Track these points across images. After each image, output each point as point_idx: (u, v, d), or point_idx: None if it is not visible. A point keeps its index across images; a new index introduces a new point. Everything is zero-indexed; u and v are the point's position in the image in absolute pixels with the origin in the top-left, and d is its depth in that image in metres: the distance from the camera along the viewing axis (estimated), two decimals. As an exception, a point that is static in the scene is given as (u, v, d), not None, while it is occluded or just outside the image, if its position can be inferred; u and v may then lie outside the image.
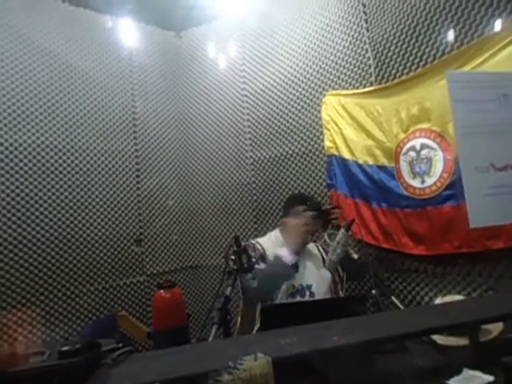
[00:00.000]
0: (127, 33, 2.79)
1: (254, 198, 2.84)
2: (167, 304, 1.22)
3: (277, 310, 1.37)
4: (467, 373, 0.95)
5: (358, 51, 2.38)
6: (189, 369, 0.90)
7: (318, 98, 2.58)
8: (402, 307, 1.41)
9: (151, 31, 2.97)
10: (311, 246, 1.93)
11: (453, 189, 1.79)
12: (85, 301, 2.39)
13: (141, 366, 0.95)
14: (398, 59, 2.16)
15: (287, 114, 2.73)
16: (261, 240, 1.85)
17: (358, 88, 2.37)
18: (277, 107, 2.77)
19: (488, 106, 1.22)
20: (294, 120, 2.70)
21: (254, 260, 1.44)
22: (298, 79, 2.68)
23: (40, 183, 2.31)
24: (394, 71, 2.20)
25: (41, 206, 2.30)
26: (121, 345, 1.04)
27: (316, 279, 1.79)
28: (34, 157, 2.30)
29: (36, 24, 2.39)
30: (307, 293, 1.74)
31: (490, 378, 0.92)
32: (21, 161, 2.25)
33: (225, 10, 2.85)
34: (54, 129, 2.41)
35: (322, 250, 1.92)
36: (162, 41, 3.03)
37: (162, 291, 1.23)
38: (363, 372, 1.01)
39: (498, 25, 1.70)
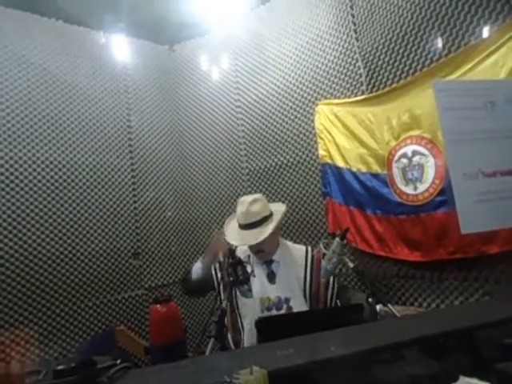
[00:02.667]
0: (121, 48, 2.83)
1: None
2: (163, 318, 1.22)
3: (273, 321, 1.37)
4: (463, 380, 0.95)
5: (349, 61, 2.41)
6: (185, 384, 0.90)
7: (311, 108, 2.60)
8: (398, 315, 1.41)
9: (144, 46, 3.00)
10: (298, 254, 1.83)
11: (445, 195, 1.80)
12: (83, 316, 2.38)
13: (137, 383, 0.95)
14: (388, 68, 2.19)
15: (281, 124, 2.75)
16: (240, 250, 1.76)
17: (349, 97, 2.40)
18: (271, 117, 2.79)
19: (475, 113, 1.24)
20: (288, 130, 2.72)
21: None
22: (291, 89, 2.70)
23: (36, 199, 2.31)
24: (384, 79, 2.23)
25: (37, 222, 2.30)
26: (118, 361, 1.03)
27: (294, 292, 1.71)
28: (30, 173, 2.31)
29: (30, 41, 2.42)
30: (284, 306, 1.67)
31: (487, 385, 0.92)
32: (17, 178, 2.26)
33: (217, 22, 2.89)
34: (50, 145, 2.42)
35: (309, 258, 1.80)
36: (156, 55, 3.06)
37: (157, 306, 1.23)
38: (361, 382, 1.01)
39: (483, 33, 1.73)
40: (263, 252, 1.76)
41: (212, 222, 2.97)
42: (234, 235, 1.74)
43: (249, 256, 1.76)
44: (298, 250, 1.85)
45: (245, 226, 1.74)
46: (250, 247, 1.76)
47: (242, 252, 1.77)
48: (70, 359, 1.04)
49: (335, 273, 1.68)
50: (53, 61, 2.51)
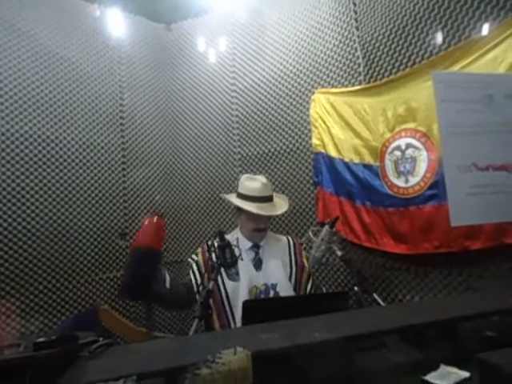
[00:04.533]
0: (115, 23, 2.74)
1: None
2: (151, 223, 1.29)
3: (259, 305, 1.37)
4: (444, 369, 0.97)
5: (348, 50, 2.39)
6: (167, 362, 0.90)
7: (307, 96, 2.58)
8: (383, 304, 1.43)
9: (140, 22, 2.92)
10: (281, 241, 1.87)
11: (435, 189, 1.81)
12: (66, 294, 2.36)
13: (119, 359, 0.94)
14: (387, 59, 2.18)
15: (276, 111, 2.72)
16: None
17: (346, 86, 2.38)
18: (266, 103, 2.76)
19: (473, 106, 1.23)
20: (282, 117, 2.70)
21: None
22: (288, 76, 2.67)
23: (23, 174, 2.26)
24: (382, 70, 2.21)
25: (23, 197, 2.25)
26: (101, 338, 1.02)
27: (281, 277, 1.73)
28: (17, 146, 2.26)
29: (23, 13, 2.34)
30: (272, 292, 1.68)
31: (466, 374, 0.93)
32: (3, 150, 2.20)
33: (216, 3, 2.83)
34: (39, 118, 2.36)
35: (291, 245, 1.84)
36: (152, 33, 2.99)
37: (149, 215, 1.31)
38: (342, 368, 1.02)
39: (484, 28, 1.72)
40: (264, 231, 1.78)
41: (202, 206, 2.95)
42: (256, 207, 1.74)
43: (237, 239, 1.76)
44: (280, 238, 1.89)
45: (260, 199, 1.76)
46: (257, 223, 1.75)
47: (230, 236, 1.77)
48: (50, 334, 1.03)
49: (323, 261, 1.69)
50: (45, 32, 2.43)
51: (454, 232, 1.70)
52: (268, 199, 1.80)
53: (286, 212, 1.85)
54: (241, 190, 1.83)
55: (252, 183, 1.81)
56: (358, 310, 1.41)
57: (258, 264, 1.76)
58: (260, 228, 1.76)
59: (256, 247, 1.80)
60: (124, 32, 2.80)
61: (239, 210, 1.81)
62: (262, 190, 1.78)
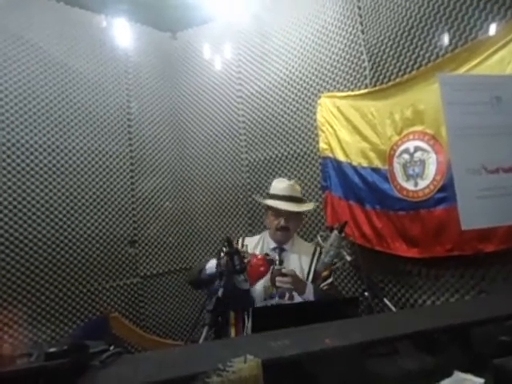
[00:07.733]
0: (122, 33, 2.77)
1: (249, 199, 2.84)
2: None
3: (269, 312, 1.36)
4: (458, 375, 0.95)
5: (353, 53, 2.38)
6: (178, 371, 0.90)
7: (313, 100, 2.58)
8: (394, 309, 1.41)
9: (146, 32, 2.95)
10: (307, 247, 1.92)
11: (445, 191, 1.78)
12: (77, 302, 2.37)
13: (129, 368, 0.95)
14: (393, 62, 2.17)
15: (283, 116, 2.72)
16: (249, 239, 1.89)
17: (353, 90, 2.38)
18: (272, 109, 2.77)
19: (480, 108, 1.22)
20: (289, 122, 2.70)
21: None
22: (294, 81, 2.68)
23: (33, 183, 2.29)
24: (388, 74, 2.20)
25: (33, 206, 2.28)
26: (112, 347, 1.02)
27: None
28: (27, 157, 2.28)
29: (30, 23, 2.37)
30: (287, 295, 1.72)
31: (481, 381, 0.91)
32: (13, 161, 2.23)
33: (220, 11, 2.85)
34: (48, 129, 2.39)
35: (317, 253, 1.89)
36: (158, 42, 3.02)
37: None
38: (353, 375, 1.00)
39: (491, 28, 1.70)
40: (288, 231, 1.86)
41: (210, 212, 2.96)
42: (278, 203, 1.85)
43: (260, 238, 1.86)
44: (308, 245, 1.96)
45: (289, 198, 1.88)
46: (279, 219, 1.84)
47: (258, 236, 1.89)
48: (61, 343, 1.03)
49: (332, 267, 1.68)
50: (53, 43, 2.46)
51: (466, 235, 1.67)
52: (292, 199, 1.88)
53: (307, 212, 2.00)
54: (270, 190, 1.97)
55: (279, 184, 1.95)
56: (369, 316, 1.39)
57: (278, 265, 1.80)
58: (282, 226, 1.83)
59: (279, 249, 1.87)
60: (130, 41, 2.83)
61: (266, 209, 1.93)
62: (288, 189, 1.89)
